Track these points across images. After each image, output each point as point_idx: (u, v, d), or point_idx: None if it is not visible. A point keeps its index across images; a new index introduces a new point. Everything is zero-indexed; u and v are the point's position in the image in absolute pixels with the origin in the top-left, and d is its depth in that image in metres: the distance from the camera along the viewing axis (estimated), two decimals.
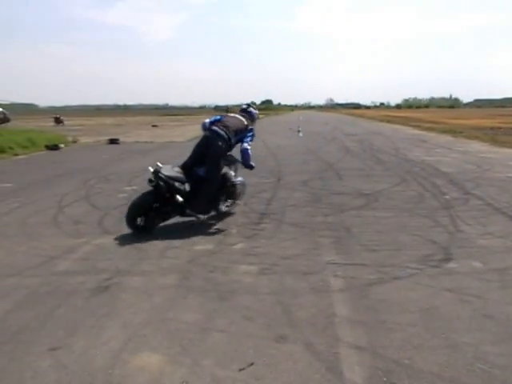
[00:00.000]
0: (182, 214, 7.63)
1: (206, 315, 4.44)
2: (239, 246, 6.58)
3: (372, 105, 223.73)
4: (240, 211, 8.62)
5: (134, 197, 7.69)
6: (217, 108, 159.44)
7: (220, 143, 7.81)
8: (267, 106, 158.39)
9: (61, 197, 10.23)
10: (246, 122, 8.27)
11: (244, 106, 8.71)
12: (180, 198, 7.27)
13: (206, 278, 5.37)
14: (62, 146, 23.27)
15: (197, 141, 8.13)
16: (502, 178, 11.94)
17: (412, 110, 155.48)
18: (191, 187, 7.62)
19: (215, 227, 7.56)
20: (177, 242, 6.73)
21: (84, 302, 4.80)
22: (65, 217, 8.42)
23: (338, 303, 4.65)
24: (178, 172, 7.56)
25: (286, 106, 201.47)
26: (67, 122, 53.54)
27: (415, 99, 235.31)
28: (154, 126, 47.10)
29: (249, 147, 7.98)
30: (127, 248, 6.53)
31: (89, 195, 10.44)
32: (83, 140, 26.97)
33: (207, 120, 8.36)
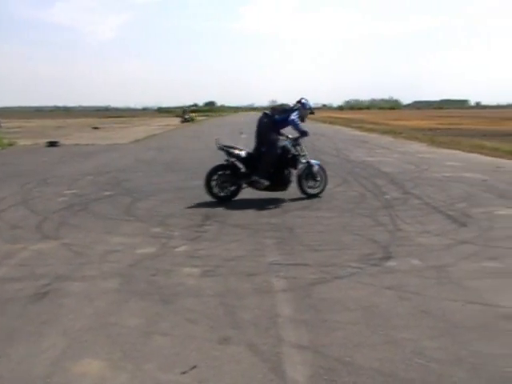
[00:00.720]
0: (250, 183, 9.75)
1: (148, 319, 4.39)
2: (182, 248, 6.54)
3: (314, 106, 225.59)
4: (183, 213, 8.58)
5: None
6: (160, 110, 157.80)
7: (265, 120, 10.02)
8: (210, 107, 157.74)
9: None
10: (291, 105, 10.17)
11: (298, 100, 10.28)
12: (240, 165, 9.76)
13: (148, 282, 5.31)
14: None
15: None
16: (439, 178, 12.31)
17: (354, 111, 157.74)
18: (256, 160, 9.73)
19: (157, 230, 7.49)
20: (118, 246, 6.64)
21: (22, 309, 4.67)
22: (1, 222, 8.16)
23: (281, 303, 4.68)
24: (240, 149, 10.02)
25: (229, 107, 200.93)
26: (4, 123, 51.89)
27: (357, 101, 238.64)
28: (94, 128, 46.12)
29: (293, 117, 9.81)
30: (67, 253, 6.39)
31: (27, 199, 10.15)
32: (21, 142, 26.21)
33: None
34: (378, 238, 6.88)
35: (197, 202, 9.64)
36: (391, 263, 5.80)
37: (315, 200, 9.63)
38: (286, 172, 9.87)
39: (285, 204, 9.29)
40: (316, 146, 21.86)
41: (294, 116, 9.83)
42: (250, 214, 8.46)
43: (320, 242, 6.68)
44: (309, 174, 10.08)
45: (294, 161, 9.96)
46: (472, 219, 7.88)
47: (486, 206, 8.85)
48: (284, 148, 9.93)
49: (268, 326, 4.19)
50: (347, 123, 49.62)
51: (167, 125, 51.93)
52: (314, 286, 5.11)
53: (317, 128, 41.90)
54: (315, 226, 7.62)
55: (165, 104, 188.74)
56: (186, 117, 62.34)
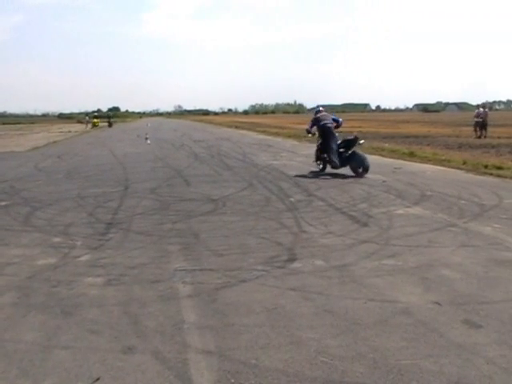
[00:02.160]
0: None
1: (48, 333, 4.21)
2: (85, 257, 6.34)
3: (220, 111, 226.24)
4: (85, 222, 8.33)
5: None
6: (61, 116, 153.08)
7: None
8: (114, 113, 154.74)
9: None
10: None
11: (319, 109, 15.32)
12: None
13: (48, 294, 5.10)
14: None
15: None
16: (341, 180, 12.67)
17: (259, 115, 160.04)
18: None
19: (58, 240, 7.22)
20: (16, 258, 6.33)
21: None
22: None
23: (186, 309, 4.64)
24: None
25: (134, 113, 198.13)
26: None
27: (262, 105, 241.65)
28: None
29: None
30: None
31: None
32: None
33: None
34: (283, 240, 6.97)
35: (100, 209, 9.39)
36: (296, 265, 5.89)
37: (220, 204, 9.63)
38: None
39: (190, 210, 9.22)
40: (222, 151, 21.98)
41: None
42: (154, 221, 8.32)
43: (225, 247, 6.68)
44: None
45: None
46: (373, 219, 8.16)
47: (385, 206, 9.20)
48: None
49: (173, 333, 4.14)
50: (252, 127, 50.15)
51: (69, 131, 50.40)
52: (219, 290, 5.10)
53: (222, 132, 42.21)
54: (220, 230, 7.62)
55: (67, 110, 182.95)
56: (95, 121, 65.78)
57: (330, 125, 14.24)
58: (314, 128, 14.73)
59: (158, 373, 3.53)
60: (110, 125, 68.46)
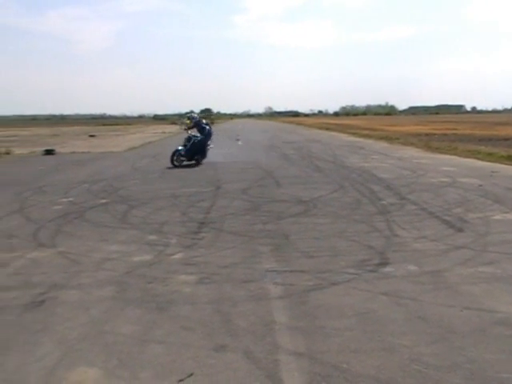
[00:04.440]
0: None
1: (144, 327, 4.37)
2: (178, 255, 6.52)
3: (310, 113, 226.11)
4: (178, 221, 8.56)
5: None
6: (156, 117, 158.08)
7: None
8: (207, 114, 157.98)
9: None
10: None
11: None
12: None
13: (144, 289, 5.29)
14: None
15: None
16: (435, 183, 12.31)
17: (350, 117, 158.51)
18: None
19: (153, 238, 7.46)
20: (114, 254, 6.61)
21: (17, 317, 4.65)
22: None
23: (277, 310, 4.66)
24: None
25: (225, 114, 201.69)
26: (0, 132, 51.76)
27: (353, 107, 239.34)
28: (91, 136, 46.23)
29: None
30: (63, 261, 6.36)
31: (23, 208, 10.12)
32: (17, 151, 26.18)
33: None
34: (374, 243, 6.86)
35: (192, 209, 9.63)
36: (387, 269, 5.78)
37: (310, 206, 9.61)
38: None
39: (280, 211, 9.26)
40: (312, 153, 21.93)
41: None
42: (245, 221, 8.43)
43: (316, 249, 6.66)
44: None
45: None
46: (468, 224, 7.87)
47: (482, 211, 8.85)
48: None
49: (264, 333, 4.18)
50: (343, 129, 49.74)
51: (163, 132, 51.95)
52: (309, 292, 5.09)
53: (312, 134, 42.12)
54: (311, 232, 7.60)
55: (161, 111, 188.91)
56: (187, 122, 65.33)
57: None
58: None
59: (249, 372, 3.57)
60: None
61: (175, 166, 17.13)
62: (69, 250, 6.81)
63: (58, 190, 12.35)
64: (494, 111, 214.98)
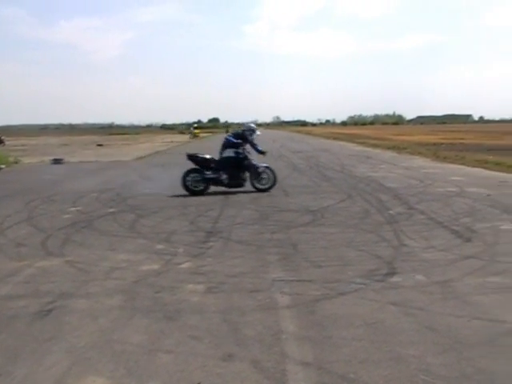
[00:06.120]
0: (215, 183, 13.35)
1: (152, 336, 4.37)
2: (186, 265, 6.53)
3: (318, 122, 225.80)
4: (186, 230, 8.58)
5: None
6: (164, 126, 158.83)
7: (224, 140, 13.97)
8: (214, 124, 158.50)
9: (1, 219, 9.94)
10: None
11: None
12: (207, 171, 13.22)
13: (152, 299, 5.30)
14: (3, 166, 22.64)
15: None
16: (443, 193, 12.27)
17: (357, 126, 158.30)
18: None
19: (161, 247, 7.48)
20: (122, 263, 6.64)
21: (26, 326, 4.67)
22: (6, 239, 8.19)
23: (284, 320, 4.66)
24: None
25: (233, 123, 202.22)
26: (9, 141, 52.14)
27: (360, 116, 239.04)
28: (99, 145, 46.57)
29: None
30: (71, 270, 6.39)
31: (32, 217, 10.18)
32: (26, 160, 26.36)
33: None
34: (383, 253, 6.85)
35: (201, 218, 9.66)
36: (396, 279, 5.77)
37: (318, 215, 9.62)
38: (242, 174, 13.45)
39: (288, 220, 9.27)
40: (320, 162, 21.94)
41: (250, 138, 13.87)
42: (253, 231, 8.44)
43: (324, 258, 6.66)
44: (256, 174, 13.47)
45: (247, 166, 13.51)
46: (477, 234, 7.84)
47: (490, 221, 8.82)
48: (237, 157, 13.50)
49: (272, 343, 4.17)
50: (351, 139, 49.73)
51: (171, 141, 52.20)
52: (317, 302, 5.08)
53: (320, 144, 42.15)
54: (319, 241, 7.60)
55: (169, 121, 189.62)
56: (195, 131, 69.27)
57: None
58: None
59: (256, 381, 3.57)
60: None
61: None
62: (77, 259, 6.84)
63: (67, 199, 12.41)
64: (502, 120, 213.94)
